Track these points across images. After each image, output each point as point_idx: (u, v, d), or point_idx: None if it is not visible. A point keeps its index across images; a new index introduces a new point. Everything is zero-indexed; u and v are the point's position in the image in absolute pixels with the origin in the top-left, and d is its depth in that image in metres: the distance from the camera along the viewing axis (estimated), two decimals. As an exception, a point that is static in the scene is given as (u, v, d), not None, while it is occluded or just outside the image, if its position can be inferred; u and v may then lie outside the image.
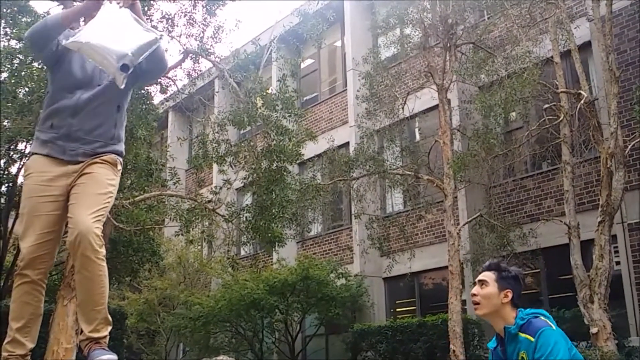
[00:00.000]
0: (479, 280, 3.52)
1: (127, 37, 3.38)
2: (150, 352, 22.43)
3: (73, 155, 3.51)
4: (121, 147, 3.68)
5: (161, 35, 3.53)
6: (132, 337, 22.45)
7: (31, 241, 3.42)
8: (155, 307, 21.05)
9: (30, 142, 12.85)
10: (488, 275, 3.49)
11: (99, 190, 3.43)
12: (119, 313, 19.12)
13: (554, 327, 3.28)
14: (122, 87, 3.44)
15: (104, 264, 3.33)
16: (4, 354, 3.37)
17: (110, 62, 3.33)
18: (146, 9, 12.15)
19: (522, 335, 3.30)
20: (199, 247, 21.32)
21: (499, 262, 3.58)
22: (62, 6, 11.93)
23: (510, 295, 3.44)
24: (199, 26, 13.25)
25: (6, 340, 3.40)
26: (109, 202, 3.48)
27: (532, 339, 3.25)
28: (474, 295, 3.49)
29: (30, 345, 3.42)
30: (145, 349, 22.59)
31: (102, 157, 3.53)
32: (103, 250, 3.31)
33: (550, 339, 3.23)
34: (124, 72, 3.36)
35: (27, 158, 14.30)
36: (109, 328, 3.39)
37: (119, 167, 3.62)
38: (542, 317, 3.33)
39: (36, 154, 3.55)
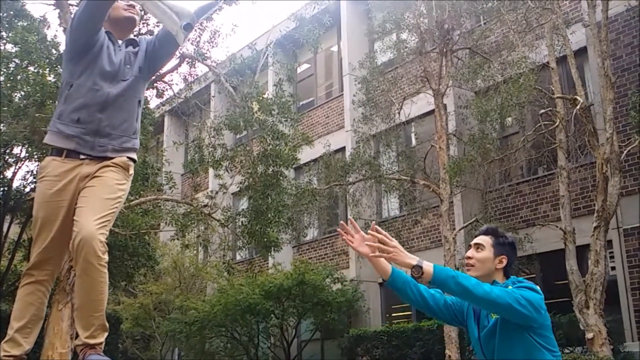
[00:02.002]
0: (475, 244, 3.47)
1: None
2: (145, 357, 22.37)
3: (102, 151, 3.48)
4: (138, 141, 3.70)
5: None
6: (127, 342, 22.42)
7: (42, 245, 3.42)
8: (150, 311, 21.00)
9: (26, 146, 12.82)
10: (485, 240, 3.45)
11: (107, 194, 3.40)
12: (114, 318, 19.11)
13: (538, 292, 3.23)
14: (182, 44, 3.41)
15: (106, 270, 3.31)
16: (1, 353, 3.35)
17: (173, 20, 3.28)
18: (142, 13, 12.16)
19: None
20: (195, 252, 21.28)
21: (496, 228, 3.54)
22: (58, 10, 11.92)
23: (505, 261, 3.41)
24: (195, 30, 13.25)
25: (5, 339, 3.39)
26: (117, 207, 3.45)
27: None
28: (469, 258, 3.44)
29: (28, 347, 3.41)
30: (140, 354, 22.52)
31: (114, 161, 3.50)
32: (106, 257, 3.29)
33: (527, 287, 3.20)
34: (187, 32, 3.33)
35: (22, 162, 14.27)
36: (105, 334, 3.37)
37: (131, 171, 3.60)
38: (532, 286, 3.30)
39: (54, 148, 3.49)
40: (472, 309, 3.46)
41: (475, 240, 3.49)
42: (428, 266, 3.07)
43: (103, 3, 3.42)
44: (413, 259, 3.09)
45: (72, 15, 3.45)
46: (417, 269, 3.06)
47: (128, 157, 3.59)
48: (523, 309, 3.08)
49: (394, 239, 3.14)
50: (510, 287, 3.22)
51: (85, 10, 3.42)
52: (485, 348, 3.37)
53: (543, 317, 3.20)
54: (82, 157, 3.47)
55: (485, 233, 3.50)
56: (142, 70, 3.66)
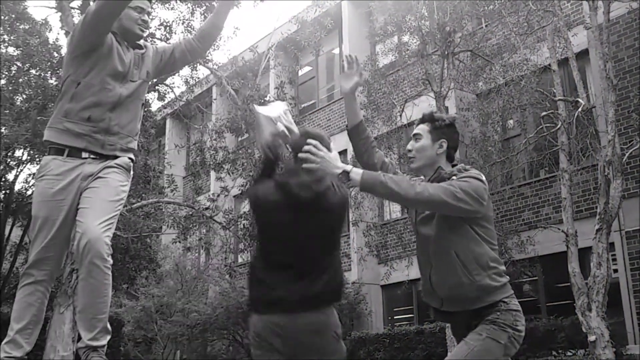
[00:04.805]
0: (413, 134, 3.35)
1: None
2: None
3: (111, 150, 3.50)
4: (137, 142, 3.75)
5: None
6: (129, 345, 22.39)
7: (41, 244, 3.42)
8: (152, 314, 20.97)
9: (27, 149, 12.83)
10: (421, 128, 3.33)
11: (111, 197, 3.41)
12: (116, 320, 19.08)
13: (481, 180, 3.13)
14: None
15: (110, 272, 3.31)
16: (2, 354, 3.35)
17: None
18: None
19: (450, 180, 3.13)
20: (197, 255, 21.27)
21: (432, 113, 3.39)
22: (59, 13, 11.93)
23: (445, 145, 3.28)
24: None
25: (5, 340, 3.39)
26: (119, 209, 3.47)
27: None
28: (409, 150, 3.34)
29: (28, 348, 3.41)
30: (142, 356, 22.50)
31: (116, 161, 3.51)
32: (111, 260, 3.30)
33: (470, 176, 3.11)
34: None
35: (24, 165, 14.29)
36: (108, 337, 3.37)
37: (131, 172, 3.63)
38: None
39: (55, 147, 3.48)
40: None
41: (413, 131, 3.37)
42: (356, 173, 2.97)
43: (119, 4, 3.42)
44: (339, 168, 2.98)
45: (85, 12, 3.45)
46: (345, 175, 2.96)
47: (129, 158, 3.61)
48: (461, 203, 2.99)
49: (324, 149, 3.02)
50: (454, 178, 3.12)
51: (101, 8, 3.39)
52: (421, 234, 3.27)
53: (485, 207, 3.12)
54: (84, 155, 3.47)
55: (422, 121, 3.38)
56: (149, 75, 3.71)
